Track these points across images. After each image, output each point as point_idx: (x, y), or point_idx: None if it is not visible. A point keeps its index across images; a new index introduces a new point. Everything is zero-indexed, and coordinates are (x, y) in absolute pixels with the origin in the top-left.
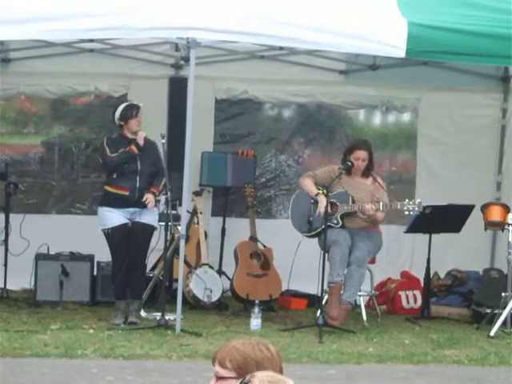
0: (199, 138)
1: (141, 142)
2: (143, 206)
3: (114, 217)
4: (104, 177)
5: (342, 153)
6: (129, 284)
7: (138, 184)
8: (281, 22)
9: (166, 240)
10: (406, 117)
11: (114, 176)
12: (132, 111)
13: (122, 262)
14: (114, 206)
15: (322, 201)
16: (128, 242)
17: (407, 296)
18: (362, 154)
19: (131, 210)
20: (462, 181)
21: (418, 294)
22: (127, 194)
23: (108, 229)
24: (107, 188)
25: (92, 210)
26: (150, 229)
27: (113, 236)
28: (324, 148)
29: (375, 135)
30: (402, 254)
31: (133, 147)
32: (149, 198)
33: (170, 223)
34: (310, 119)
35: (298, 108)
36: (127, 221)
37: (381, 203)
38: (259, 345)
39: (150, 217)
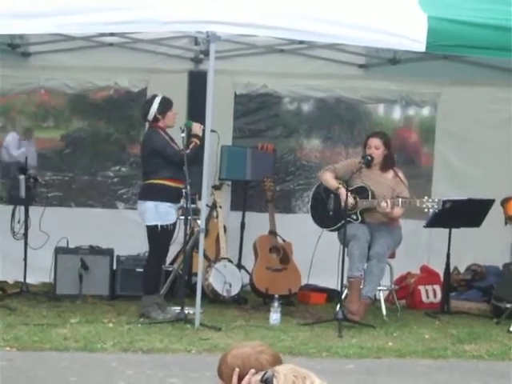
0: (218, 132)
1: (200, 133)
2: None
3: (174, 213)
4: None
5: (360, 147)
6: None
7: (187, 176)
8: (301, 15)
9: (185, 234)
10: (425, 111)
11: (172, 170)
12: (170, 104)
13: (163, 258)
14: (174, 201)
15: (343, 194)
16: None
17: (427, 290)
18: (373, 141)
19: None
20: (481, 176)
21: (437, 288)
22: (183, 187)
23: (170, 225)
24: (167, 183)
25: (111, 204)
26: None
27: (170, 232)
28: (343, 142)
29: (394, 130)
30: (419, 248)
31: (197, 141)
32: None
33: (189, 217)
34: (330, 113)
35: (317, 102)
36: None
37: (400, 200)
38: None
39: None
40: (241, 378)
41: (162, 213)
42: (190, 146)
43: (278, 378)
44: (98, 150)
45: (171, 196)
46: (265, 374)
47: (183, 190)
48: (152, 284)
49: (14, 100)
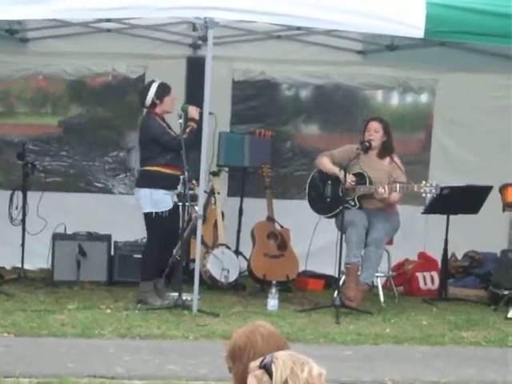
0: (217, 118)
1: (197, 116)
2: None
3: (168, 199)
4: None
5: (358, 133)
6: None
7: (185, 163)
8: (299, 1)
9: (183, 220)
10: (423, 98)
11: (168, 157)
12: (167, 89)
13: (160, 244)
14: (169, 188)
15: (342, 175)
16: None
17: (424, 277)
18: (373, 124)
19: (176, 191)
20: (479, 162)
21: (435, 275)
22: (179, 174)
23: (165, 212)
24: (161, 169)
25: (109, 190)
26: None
27: (165, 218)
28: (340, 128)
29: (392, 116)
30: (417, 235)
31: (193, 124)
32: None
33: (187, 203)
34: (327, 100)
35: (314, 88)
36: (175, 200)
37: (397, 185)
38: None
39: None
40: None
41: (156, 200)
42: (187, 131)
43: (276, 364)
44: (96, 136)
45: (167, 183)
46: (263, 359)
47: (181, 177)
48: (149, 270)
49: (11, 86)
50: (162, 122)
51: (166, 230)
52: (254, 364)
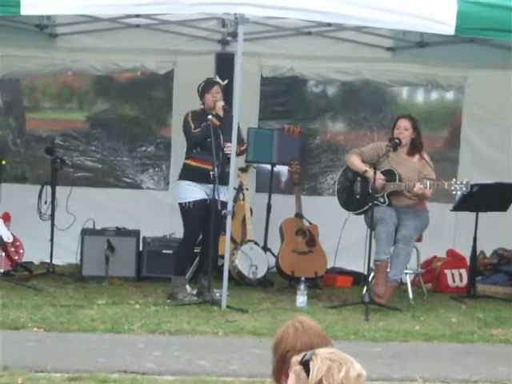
0: (245, 114)
1: (220, 112)
2: (222, 182)
3: (196, 191)
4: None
5: (386, 130)
6: (203, 259)
7: (221, 158)
8: None
9: (212, 216)
10: (452, 95)
11: (198, 150)
12: (208, 86)
13: (194, 238)
14: (196, 181)
15: (371, 175)
16: (205, 218)
17: (453, 274)
18: (402, 122)
19: (211, 186)
20: (507, 160)
21: (463, 272)
22: (210, 167)
23: (189, 202)
24: (190, 162)
25: (137, 185)
26: (225, 206)
27: (192, 210)
28: (369, 125)
29: (420, 113)
30: (445, 232)
31: (213, 119)
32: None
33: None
34: (356, 96)
35: (343, 85)
36: (206, 196)
37: (428, 182)
38: (291, 322)
39: (225, 194)
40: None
41: (180, 191)
42: (202, 125)
43: (314, 362)
44: (124, 132)
45: (193, 175)
46: (304, 355)
47: (210, 173)
48: (180, 265)
49: (37, 81)
50: (192, 118)
51: (195, 224)
52: (296, 359)
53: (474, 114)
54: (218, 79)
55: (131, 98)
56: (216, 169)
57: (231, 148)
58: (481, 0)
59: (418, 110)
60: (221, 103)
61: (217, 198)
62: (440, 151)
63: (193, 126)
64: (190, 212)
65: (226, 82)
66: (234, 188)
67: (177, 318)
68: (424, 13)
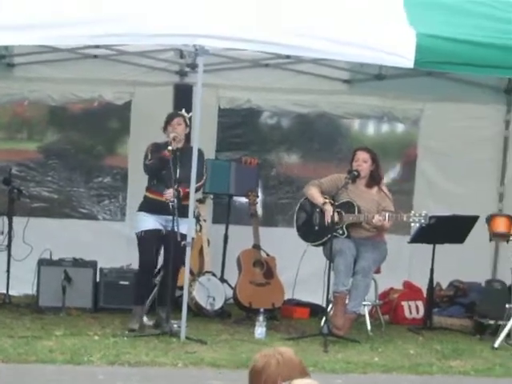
0: (202, 145)
1: (173, 146)
2: (180, 214)
3: (149, 221)
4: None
5: (343, 162)
6: (160, 290)
7: (175, 191)
8: (290, 30)
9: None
10: (404, 127)
11: (154, 182)
12: (169, 118)
13: (148, 268)
14: (151, 212)
15: (329, 210)
16: (160, 249)
17: (410, 306)
18: (361, 154)
19: (167, 217)
20: (463, 192)
21: (420, 304)
22: (164, 199)
23: (141, 231)
24: (147, 194)
25: (93, 216)
26: (184, 238)
27: (144, 239)
28: (325, 157)
29: (376, 145)
30: (401, 264)
31: (166, 152)
32: (168, 195)
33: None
34: (312, 129)
35: (300, 117)
36: (161, 227)
37: (387, 214)
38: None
39: (184, 226)
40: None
41: (135, 222)
42: (154, 156)
43: None
44: (81, 162)
45: (148, 206)
46: None
47: (170, 204)
48: (135, 294)
49: None
50: (153, 149)
51: (147, 253)
52: None
53: (429, 146)
54: (182, 112)
55: (86, 129)
56: (175, 200)
57: (170, 195)
58: (439, 34)
59: (374, 143)
60: (172, 134)
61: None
62: (393, 183)
63: (149, 158)
64: (142, 241)
65: (190, 114)
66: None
67: (136, 350)
68: (383, 46)
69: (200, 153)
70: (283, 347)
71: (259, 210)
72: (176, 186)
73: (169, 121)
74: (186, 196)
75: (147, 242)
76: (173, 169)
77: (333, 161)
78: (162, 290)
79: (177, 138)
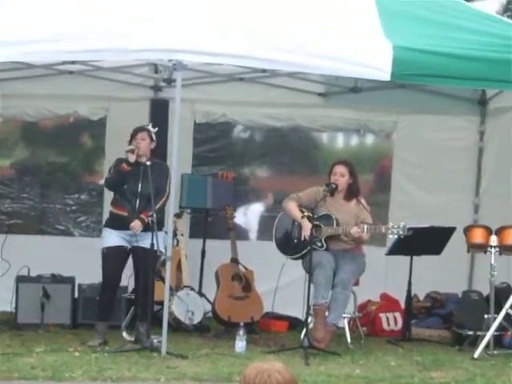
0: (178, 160)
1: (131, 159)
2: (144, 229)
3: (112, 237)
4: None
5: (319, 175)
6: (136, 306)
7: (137, 206)
8: (265, 44)
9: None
10: (382, 139)
11: (117, 197)
12: (134, 132)
13: (110, 284)
14: (114, 227)
15: (307, 225)
16: (134, 265)
17: (387, 318)
18: (339, 168)
19: (131, 232)
20: (439, 203)
21: (398, 316)
22: (126, 214)
23: (104, 248)
24: (111, 209)
25: (70, 232)
26: (149, 252)
27: (106, 256)
28: (301, 171)
29: (351, 158)
30: (377, 275)
31: (123, 165)
32: (135, 225)
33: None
34: (288, 142)
35: (276, 130)
36: (124, 243)
37: (365, 226)
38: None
39: (149, 240)
40: None
41: (102, 237)
42: (112, 171)
43: None
44: (56, 178)
45: (111, 221)
46: None
47: (149, 219)
48: (98, 310)
49: None
50: (116, 164)
51: (108, 270)
52: None
53: (404, 158)
54: (147, 126)
55: (61, 145)
56: (130, 214)
57: (136, 227)
58: (416, 46)
59: (349, 155)
60: (128, 147)
61: (142, 245)
62: (367, 195)
63: (111, 172)
64: (104, 257)
65: (156, 129)
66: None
67: (117, 365)
68: (360, 59)
69: (165, 168)
70: (278, 363)
71: (236, 224)
72: (138, 201)
73: (133, 135)
74: (150, 215)
75: (109, 258)
76: (133, 183)
77: (309, 174)
78: (136, 305)
79: (134, 152)
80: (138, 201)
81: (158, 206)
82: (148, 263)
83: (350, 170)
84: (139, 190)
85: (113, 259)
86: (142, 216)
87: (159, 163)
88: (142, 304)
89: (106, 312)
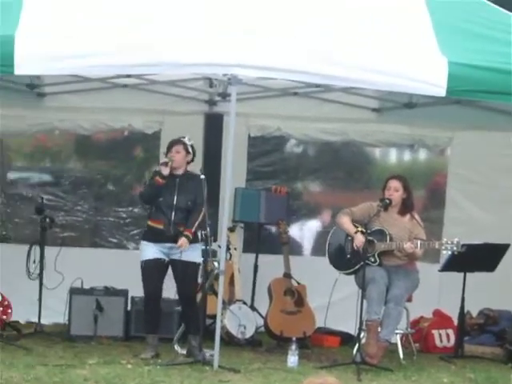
0: (232, 174)
1: (164, 172)
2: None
3: (149, 250)
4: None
5: (373, 190)
6: (184, 321)
7: (173, 218)
8: (320, 59)
9: (204, 276)
10: (436, 155)
11: (153, 209)
12: (170, 145)
13: (152, 296)
14: (151, 240)
15: (359, 238)
16: (175, 278)
17: (440, 335)
18: (393, 183)
19: (168, 244)
20: (493, 221)
21: (450, 332)
22: (162, 227)
23: (142, 261)
24: (148, 221)
25: (123, 245)
26: (189, 265)
27: (145, 269)
28: (355, 186)
29: (405, 173)
30: (430, 292)
31: (157, 178)
32: (182, 242)
33: (209, 259)
34: (341, 157)
35: (329, 145)
36: (162, 256)
37: (419, 242)
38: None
39: (189, 253)
40: None
41: (140, 250)
42: (146, 184)
43: None
44: (110, 191)
45: (148, 234)
46: None
47: (202, 232)
48: (144, 324)
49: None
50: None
51: (148, 282)
52: None
53: (459, 174)
54: (184, 138)
55: (115, 158)
56: (167, 227)
57: (183, 245)
58: (471, 62)
59: (403, 171)
60: (162, 160)
61: (181, 258)
62: (420, 211)
63: (145, 185)
64: (143, 271)
65: (192, 141)
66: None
67: (170, 378)
68: (415, 74)
69: (200, 180)
70: (330, 377)
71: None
72: (173, 213)
73: (169, 148)
74: (194, 233)
75: (148, 271)
76: (169, 195)
77: (362, 190)
78: (185, 319)
79: (168, 164)
80: (173, 213)
81: (199, 220)
82: (188, 275)
83: (404, 184)
84: (174, 202)
85: (152, 272)
86: (186, 233)
87: (193, 175)
88: (192, 318)
89: (154, 324)
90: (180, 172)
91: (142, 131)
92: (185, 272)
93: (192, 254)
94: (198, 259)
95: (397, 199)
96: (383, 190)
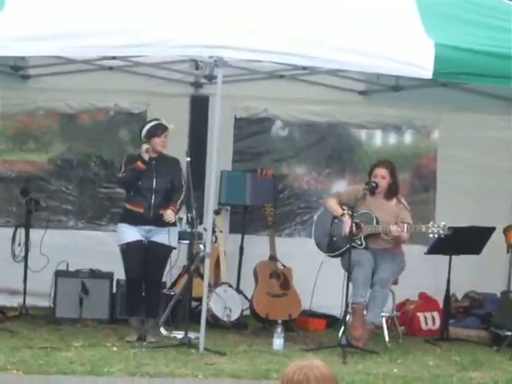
0: (218, 156)
1: (145, 156)
2: (159, 224)
3: (129, 233)
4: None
5: (360, 172)
6: (144, 302)
7: (153, 201)
8: (307, 40)
9: (190, 259)
10: (423, 138)
11: (132, 193)
12: (158, 130)
13: (134, 279)
14: (131, 223)
15: (347, 221)
16: (144, 260)
17: (425, 317)
18: (380, 171)
19: (147, 227)
20: (481, 203)
21: (436, 315)
22: (142, 211)
23: (123, 244)
24: (125, 205)
25: (109, 227)
26: (165, 248)
27: (127, 252)
28: (342, 167)
29: (392, 156)
30: (415, 275)
31: (139, 163)
32: (168, 214)
33: (194, 241)
34: (329, 138)
35: (316, 127)
36: (142, 238)
37: (405, 225)
38: (310, 368)
39: (165, 236)
40: None
41: (118, 233)
42: (127, 169)
43: None
44: (95, 172)
45: (126, 217)
46: None
47: (188, 215)
48: (127, 307)
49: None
50: (126, 162)
51: (131, 265)
52: None
53: (448, 156)
54: (164, 122)
55: (99, 138)
56: (147, 210)
57: (170, 216)
58: (458, 45)
59: (391, 153)
60: (145, 146)
61: (157, 240)
62: (407, 194)
63: (122, 170)
64: (125, 253)
65: (171, 125)
66: (205, 229)
67: (155, 361)
68: (402, 57)
69: (177, 162)
70: (316, 360)
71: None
72: (153, 196)
73: (159, 133)
74: (178, 210)
75: (130, 253)
76: (148, 179)
77: (350, 171)
78: (147, 301)
79: (148, 150)
80: (153, 196)
81: (181, 198)
82: (160, 258)
83: (390, 171)
84: (154, 185)
85: (134, 254)
86: (171, 207)
87: (168, 157)
88: (154, 301)
89: (136, 307)
90: (155, 155)
91: (129, 110)
92: (157, 254)
93: (167, 236)
94: (174, 243)
95: (383, 186)
96: (369, 175)
